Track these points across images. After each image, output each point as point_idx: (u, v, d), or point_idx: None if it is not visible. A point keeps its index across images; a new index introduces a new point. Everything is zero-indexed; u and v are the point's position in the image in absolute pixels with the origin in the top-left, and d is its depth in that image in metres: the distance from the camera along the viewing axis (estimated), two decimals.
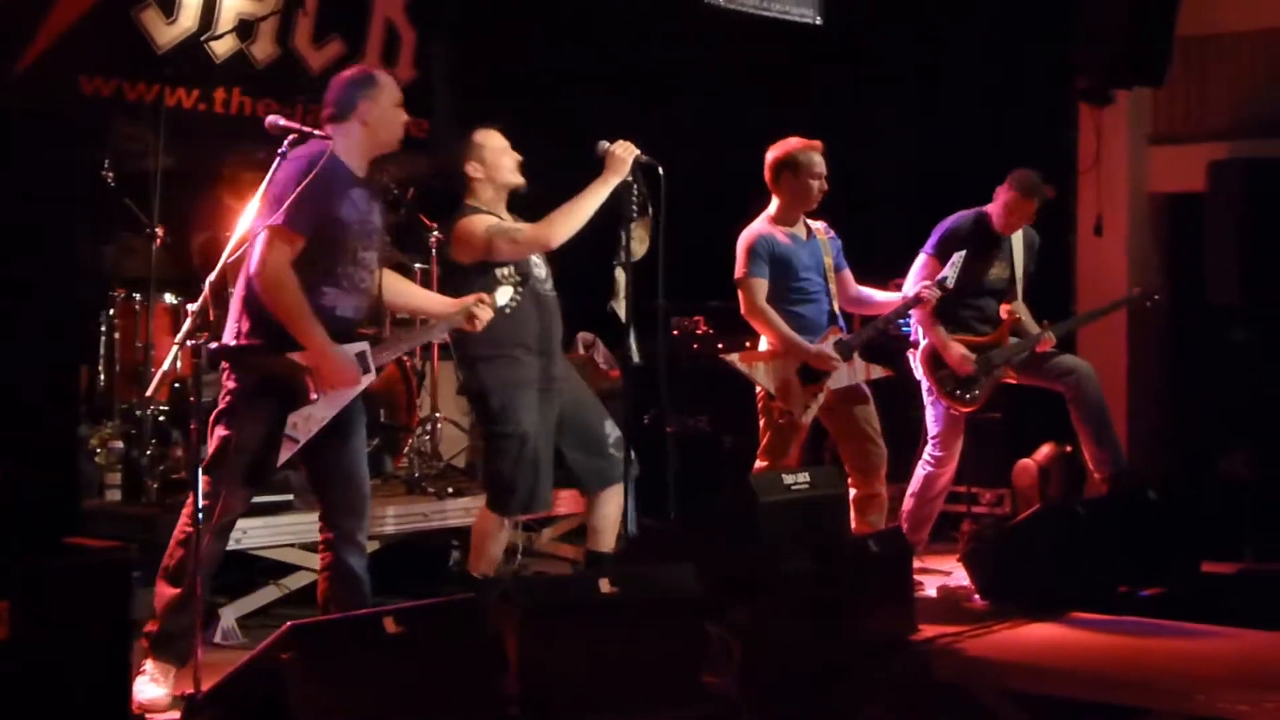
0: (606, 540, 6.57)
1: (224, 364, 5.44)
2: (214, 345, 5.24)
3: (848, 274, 7.41)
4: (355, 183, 5.59)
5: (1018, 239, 7.74)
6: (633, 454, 6.51)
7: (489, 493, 6.49)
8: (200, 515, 5.15)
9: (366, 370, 5.59)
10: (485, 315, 5.91)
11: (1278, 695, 5.40)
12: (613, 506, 6.57)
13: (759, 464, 7.24)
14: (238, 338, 5.43)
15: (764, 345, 7.26)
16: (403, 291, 6.19)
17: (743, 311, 7.22)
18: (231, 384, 5.44)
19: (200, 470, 5.46)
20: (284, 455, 5.47)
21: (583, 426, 6.49)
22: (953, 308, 7.47)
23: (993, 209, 7.70)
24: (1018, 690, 5.95)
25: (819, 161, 7.18)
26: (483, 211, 6.34)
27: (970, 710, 6.02)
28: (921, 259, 7.62)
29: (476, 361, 6.34)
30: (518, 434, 6.27)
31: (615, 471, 6.50)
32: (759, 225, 7.24)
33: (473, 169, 6.41)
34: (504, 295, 5.98)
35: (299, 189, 5.26)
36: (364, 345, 5.62)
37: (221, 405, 5.44)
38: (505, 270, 6.04)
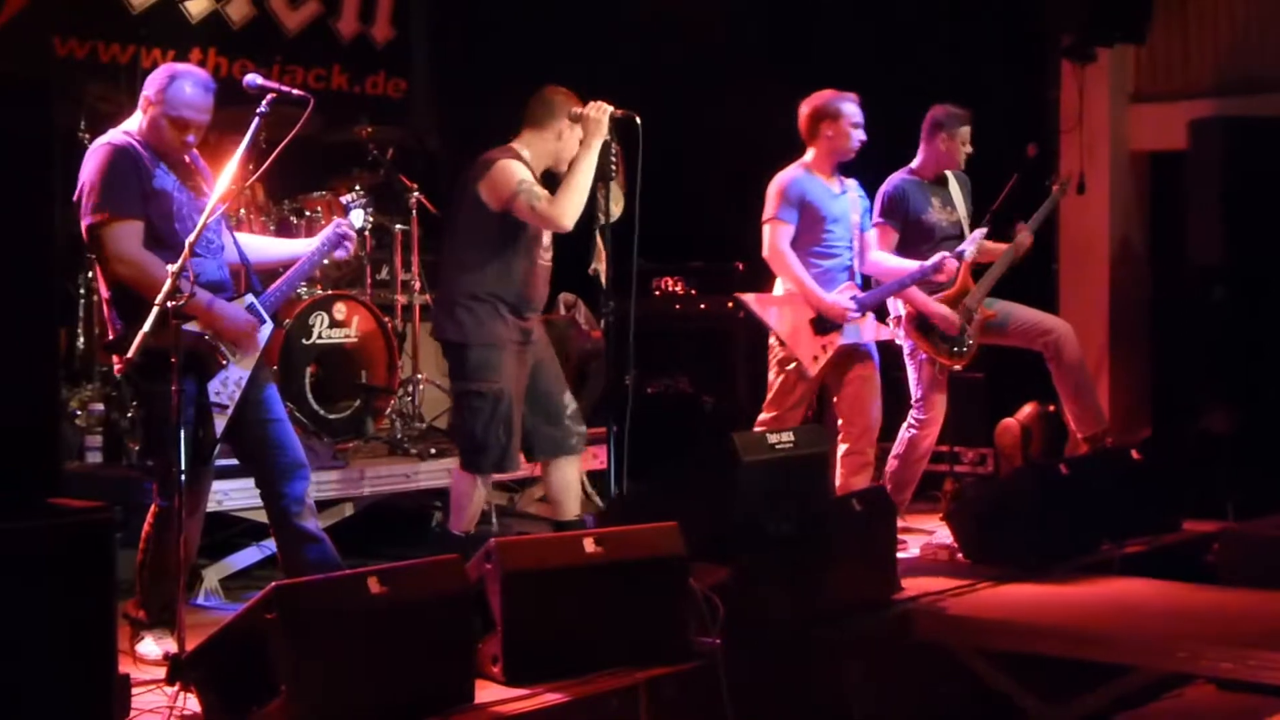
0: (570, 508, 6.57)
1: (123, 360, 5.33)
2: (107, 342, 5.17)
3: (869, 236, 7.43)
4: (156, 158, 5.52)
5: (953, 182, 7.76)
6: (583, 426, 6.55)
7: (462, 451, 6.48)
8: (173, 510, 5.13)
9: (263, 320, 5.62)
10: (353, 236, 5.95)
11: (1259, 652, 5.42)
12: (569, 474, 6.57)
13: (764, 415, 7.26)
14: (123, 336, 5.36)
15: (779, 291, 7.28)
16: (262, 249, 6.10)
17: (764, 254, 7.24)
18: (140, 377, 5.36)
19: (155, 493, 5.50)
20: (219, 425, 5.47)
21: (544, 393, 6.49)
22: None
23: (920, 161, 7.73)
24: (1000, 648, 5.97)
25: (857, 111, 7.21)
26: (524, 163, 6.30)
27: (953, 669, 6.04)
28: (875, 230, 7.60)
29: (456, 306, 6.32)
30: (492, 392, 6.26)
31: (569, 442, 6.51)
32: (793, 170, 7.28)
33: (565, 127, 6.36)
34: (358, 218, 6.01)
35: (104, 178, 5.33)
36: (250, 298, 5.64)
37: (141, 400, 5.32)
38: (354, 194, 6.04)
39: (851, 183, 7.40)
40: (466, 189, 6.31)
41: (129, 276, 5.36)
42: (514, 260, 6.30)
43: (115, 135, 5.51)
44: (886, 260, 7.49)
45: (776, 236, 7.18)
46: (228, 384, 5.46)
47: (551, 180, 6.34)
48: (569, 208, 6.17)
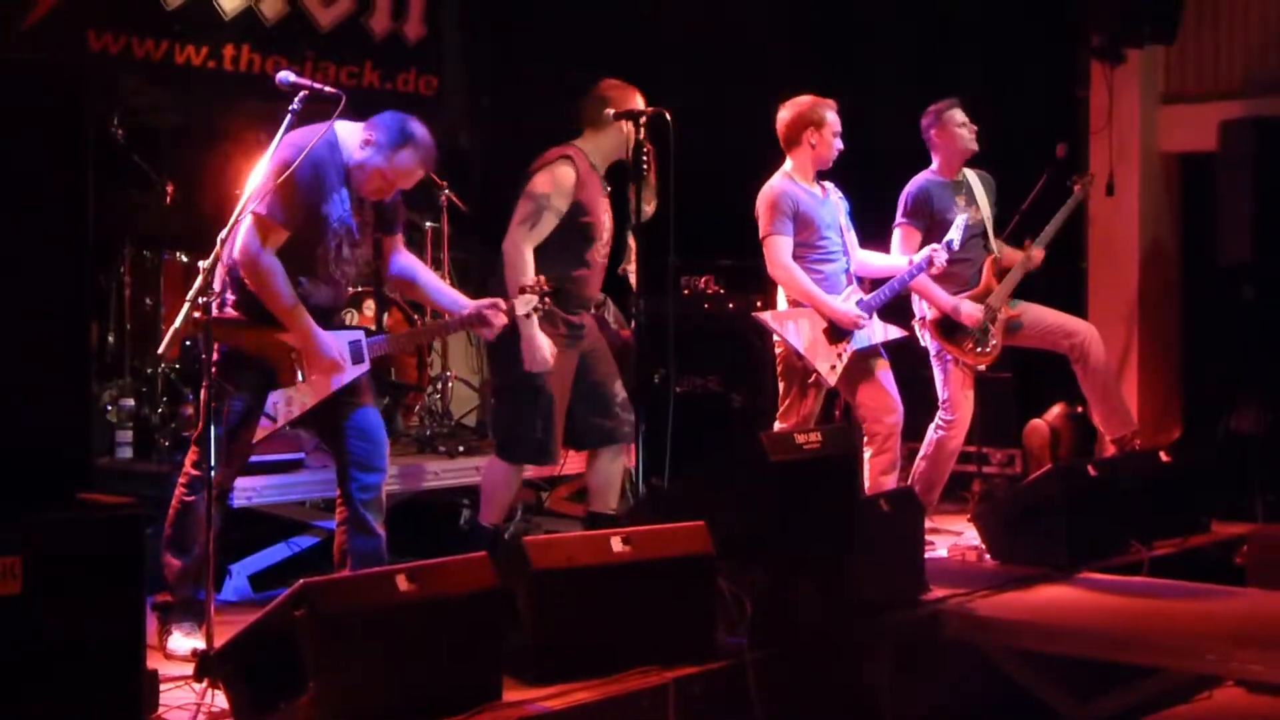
0: (608, 501, 6.57)
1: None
2: (198, 315, 5.19)
3: (854, 235, 7.40)
4: (345, 181, 5.56)
5: (974, 181, 7.75)
6: (633, 414, 6.53)
7: (498, 441, 6.48)
8: (202, 478, 5.14)
9: (359, 360, 5.60)
10: (500, 322, 5.83)
11: None
12: (614, 467, 6.56)
13: (778, 426, 7.23)
14: (222, 308, 5.41)
15: (782, 303, 7.26)
16: (425, 285, 6.04)
17: (768, 270, 7.20)
18: (214, 354, 5.36)
19: (192, 441, 5.50)
20: (259, 435, 5.50)
21: (593, 384, 6.49)
22: (947, 267, 7.44)
23: (938, 162, 7.71)
24: (1028, 649, 5.96)
25: (838, 120, 7.17)
26: (581, 164, 6.33)
27: (981, 669, 6.03)
28: (899, 231, 7.62)
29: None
30: (532, 384, 6.25)
31: (618, 432, 6.50)
32: (780, 182, 7.19)
33: (625, 126, 6.34)
34: (523, 305, 5.88)
35: (282, 180, 5.27)
36: (358, 334, 5.65)
37: (208, 375, 5.29)
38: (535, 283, 5.92)
39: (830, 186, 7.35)
40: (524, 182, 6.33)
41: (244, 267, 5.36)
42: (568, 259, 6.30)
43: (320, 145, 5.41)
44: (873, 260, 7.48)
45: (778, 251, 7.11)
46: (291, 403, 5.48)
47: (616, 173, 6.33)
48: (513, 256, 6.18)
